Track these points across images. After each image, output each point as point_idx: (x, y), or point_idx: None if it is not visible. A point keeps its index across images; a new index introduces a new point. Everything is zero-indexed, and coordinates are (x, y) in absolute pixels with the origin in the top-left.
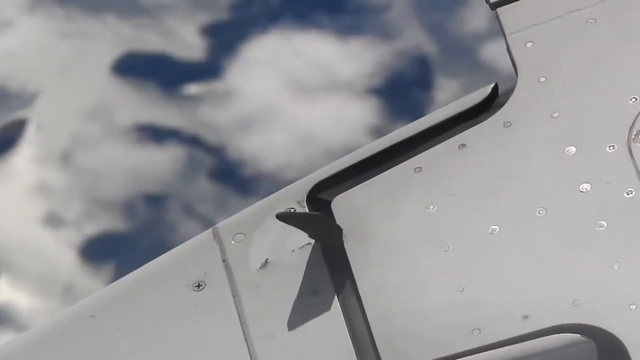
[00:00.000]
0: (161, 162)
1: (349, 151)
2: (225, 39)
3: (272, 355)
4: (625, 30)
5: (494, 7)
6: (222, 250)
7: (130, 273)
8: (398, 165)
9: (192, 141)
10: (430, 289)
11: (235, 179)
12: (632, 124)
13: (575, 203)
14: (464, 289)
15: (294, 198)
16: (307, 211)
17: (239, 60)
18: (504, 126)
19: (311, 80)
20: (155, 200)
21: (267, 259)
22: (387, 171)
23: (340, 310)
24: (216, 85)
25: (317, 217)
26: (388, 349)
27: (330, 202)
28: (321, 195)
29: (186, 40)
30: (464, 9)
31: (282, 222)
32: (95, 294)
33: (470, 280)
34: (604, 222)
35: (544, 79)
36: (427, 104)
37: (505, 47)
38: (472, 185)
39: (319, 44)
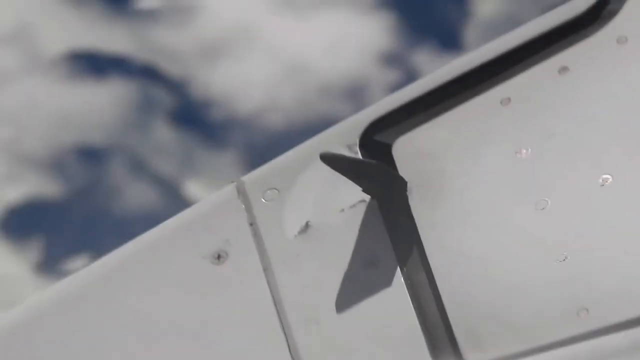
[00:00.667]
0: (103, 102)
1: (354, 87)
2: None
3: (316, 346)
4: None
5: None
6: (249, 210)
7: (132, 241)
8: (479, 97)
9: (145, 73)
10: (523, 258)
11: (203, 124)
12: None
13: None
14: (566, 257)
15: (342, 141)
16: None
17: None
18: (618, 42)
19: None
20: (95, 155)
21: (307, 222)
22: (464, 104)
23: (405, 287)
24: None
25: (374, 165)
26: (468, 336)
27: (391, 145)
28: (379, 138)
29: None
30: None
31: (327, 169)
32: (90, 266)
33: (575, 247)
34: None
35: None
36: (464, 21)
37: None
38: (576, 122)
39: None
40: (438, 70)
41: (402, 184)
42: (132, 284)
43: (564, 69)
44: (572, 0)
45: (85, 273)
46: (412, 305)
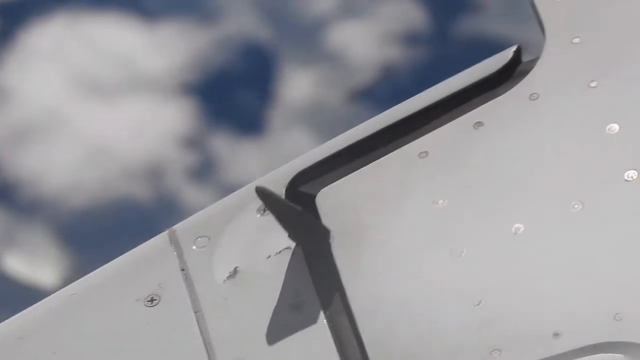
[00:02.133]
0: None
1: (154, 169)
2: None
3: None
4: None
5: None
6: (181, 256)
7: (68, 285)
8: (398, 150)
9: None
10: (440, 303)
11: (9, 204)
12: None
13: (619, 195)
14: (480, 301)
15: None
16: None
17: (13, 51)
18: (530, 99)
19: (107, 77)
20: None
21: (236, 268)
22: (384, 157)
23: (328, 330)
24: None
25: (300, 211)
26: None
27: (315, 196)
28: (303, 189)
29: None
30: None
31: (254, 218)
32: (23, 312)
33: (488, 292)
34: None
35: (578, 39)
36: (261, 105)
37: (530, 2)
38: (490, 174)
39: (117, 31)
40: (360, 124)
41: (326, 232)
42: (66, 326)
43: (479, 124)
44: (487, 59)
45: (21, 316)
46: (334, 346)
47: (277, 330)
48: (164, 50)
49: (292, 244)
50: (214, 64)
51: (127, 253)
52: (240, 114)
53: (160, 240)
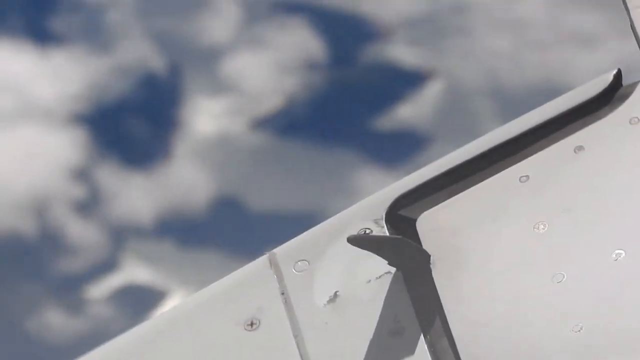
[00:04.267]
0: None
1: (43, 200)
2: None
3: None
4: None
5: None
6: (281, 280)
7: (168, 309)
8: (499, 174)
9: None
10: (539, 328)
11: None
12: None
13: None
14: (581, 328)
15: (369, 216)
16: (386, 232)
17: None
18: (631, 123)
19: None
20: None
21: (336, 292)
22: (485, 181)
23: (429, 354)
24: None
25: (398, 240)
26: None
27: (415, 220)
28: (403, 213)
29: None
30: (206, 13)
31: (354, 247)
32: (124, 334)
33: (589, 318)
34: None
35: None
36: (160, 135)
37: (629, 23)
38: (591, 198)
39: (5, 57)
40: (461, 148)
41: (426, 256)
42: (169, 350)
43: (579, 148)
44: (587, 83)
45: (124, 339)
46: None
47: (377, 355)
48: (55, 78)
49: (392, 269)
50: (108, 94)
51: (227, 276)
52: (133, 144)
53: (260, 263)
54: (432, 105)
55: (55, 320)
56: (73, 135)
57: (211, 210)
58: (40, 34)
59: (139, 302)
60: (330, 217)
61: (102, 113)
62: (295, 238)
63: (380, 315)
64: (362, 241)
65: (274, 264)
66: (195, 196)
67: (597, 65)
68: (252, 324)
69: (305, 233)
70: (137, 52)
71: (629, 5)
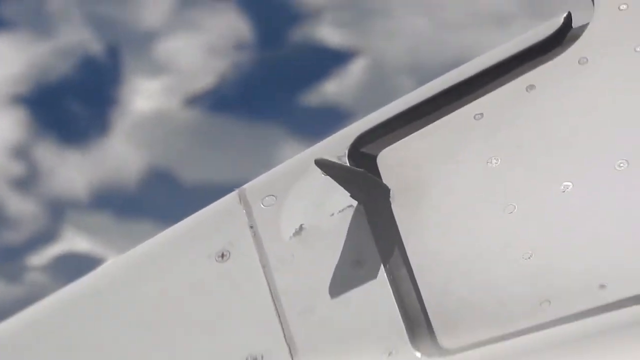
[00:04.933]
0: None
1: None
2: None
3: (309, 333)
4: None
5: None
6: (250, 215)
7: (144, 242)
8: (455, 112)
9: None
10: (492, 256)
11: None
12: None
13: None
14: (531, 255)
15: (333, 153)
16: None
17: None
18: (580, 63)
19: None
20: None
21: (301, 225)
22: (442, 119)
23: (388, 282)
24: None
25: (361, 173)
26: (443, 326)
27: (376, 156)
28: (365, 150)
29: None
30: None
31: (319, 177)
32: (104, 265)
33: (538, 246)
34: None
35: (625, 6)
36: (98, 114)
37: None
38: (541, 135)
39: None
40: (418, 88)
41: (386, 191)
42: (145, 281)
43: (531, 87)
44: (539, 25)
45: (100, 271)
46: (394, 298)
47: (340, 284)
48: None
49: (354, 202)
50: (49, 75)
51: (199, 211)
52: (72, 124)
53: (229, 199)
54: (355, 82)
55: None
56: (13, 115)
57: (146, 183)
58: None
59: (77, 270)
60: None
61: (42, 94)
62: (263, 174)
63: (343, 247)
64: (327, 166)
65: (243, 200)
66: (131, 170)
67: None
68: (222, 256)
69: (272, 170)
70: (77, 35)
71: None
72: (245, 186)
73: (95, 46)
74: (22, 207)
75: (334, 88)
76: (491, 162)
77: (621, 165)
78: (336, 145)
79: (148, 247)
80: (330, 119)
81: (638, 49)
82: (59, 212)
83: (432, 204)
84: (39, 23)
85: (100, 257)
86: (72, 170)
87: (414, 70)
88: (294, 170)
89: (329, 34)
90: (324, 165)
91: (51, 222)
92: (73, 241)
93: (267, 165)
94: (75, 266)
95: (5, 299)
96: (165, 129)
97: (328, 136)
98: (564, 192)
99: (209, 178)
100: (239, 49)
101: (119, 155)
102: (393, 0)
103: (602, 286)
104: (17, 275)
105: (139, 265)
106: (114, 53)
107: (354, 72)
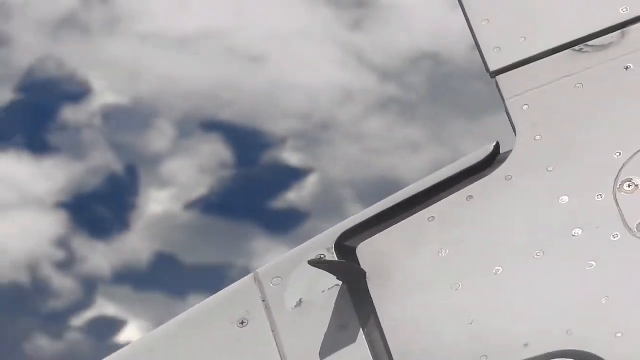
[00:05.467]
0: None
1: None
2: None
3: None
4: (609, 93)
5: (493, 75)
6: (262, 291)
7: (177, 316)
8: (414, 215)
9: None
10: (444, 322)
11: None
12: (617, 175)
13: (569, 246)
14: (472, 322)
15: (323, 246)
16: (335, 257)
17: None
18: (506, 179)
19: (3, 197)
20: None
21: (301, 299)
22: (405, 220)
23: (366, 343)
24: None
25: (343, 264)
26: None
27: (355, 248)
28: (347, 243)
29: None
30: (151, 131)
31: (313, 268)
32: (142, 337)
33: (478, 315)
34: (593, 262)
35: (539, 137)
36: (120, 216)
37: (505, 110)
38: (478, 232)
39: (9, 163)
40: (386, 198)
41: (363, 274)
42: (183, 344)
43: (470, 197)
44: (476, 150)
45: (144, 340)
46: (370, 356)
47: (330, 344)
48: (45, 177)
49: (340, 283)
50: (84, 187)
51: (223, 290)
52: (101, 223)
53: (247, 279)
54: (311, 192)
55: (45, 345)
56: (58, 216)
57: (156, 264)
58: (35, 146)
59: (108, 329)
60: (251, 265)
61: (78, 201)
62: (272, 261)
63: (332, 316)
64: (318, 264)
65: (257, 280)
66: (145, 255)
67: (420, 166)
68: (242, 322)
69: (279, 257)
70: (104, 158)
71: (505, 96)
72: (258, 270)
73: (117, 166)
74: (64, 282)
75: (295, 196)
76: (441, 252)
77: (538, 254)
78: (326, 240)
79: (185, 317)
80: (292, 219)
81: (549, 169)
82: (92, 285)
83: (398, 283)
84: (76, 149)
85: (125, 319)
86: (101, 256)
87: (353, 184)
88: (294, 259)
89: (291, 157)
90: (316, 264)
91: (86, 293)
92: (104, 307)
93: (246, 253)
94: (106, 326)
95: (51, 353)
96: (170, 225)
97: (293, 232)
98: (496, 274)
99: (203, 261)
100: (223, 168)
101: (136, 244)
102: (335, 132)
103: (526, 345)
104: (61, 333)
105: (178, 332)
106: (132, 171)
107: (310, 184)
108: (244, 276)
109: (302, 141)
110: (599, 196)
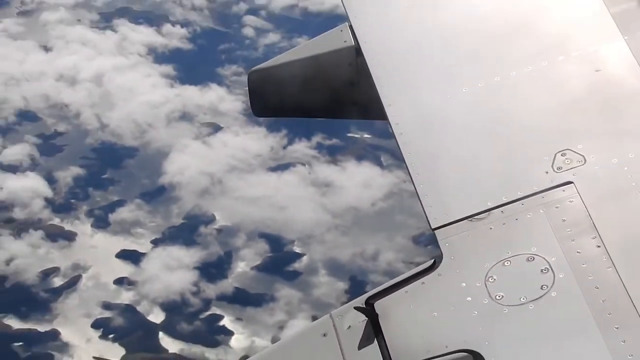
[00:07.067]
0: None
1: None
2: None
3: None
4: None
5: (433, 229)
6: (337, 335)
7: (264, 349)
8: (386, 297)
9: None
10: None
11: None
12: None
13: None
14: None
15: (354, 303)
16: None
17: None
18: (438, 275)
19: None
20: None
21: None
22: (385, 297)
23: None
24: None
25: (365, 309)
26: None
27: (373, 304)
28: (371, 301)
29: None
30: None
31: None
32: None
33: None
34: None
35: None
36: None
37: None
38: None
39: None
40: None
41: (376, 315)
42: None
43: (422, 283)
44: (424, 263)
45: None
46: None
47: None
48: None
49: (364, 318)
50: None
51: (311, 324)
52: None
53: (324, 320)
54: None
55: None
56: None
57: None
58: None
59: None
60: None
61: None
62: (346, 304)
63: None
64: (365, 312)
65: (333, 322)
66: None
67: None
68: None
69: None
70: None
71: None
72: (334, 312)
73: None
74: None
75: None
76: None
77: None
78: (361, 299)
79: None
80: None
81: (463, 285)
82: None
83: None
84: None
85: None
86: None
87: None
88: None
89: None
90: (363, 311)
91: None
92: None
93: None
94: None
95: None
96: None
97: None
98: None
99: None
100: None
101: None
102: None
103: None
104: None
105: None
106: None
107: None
108: None
109: None
110: None
